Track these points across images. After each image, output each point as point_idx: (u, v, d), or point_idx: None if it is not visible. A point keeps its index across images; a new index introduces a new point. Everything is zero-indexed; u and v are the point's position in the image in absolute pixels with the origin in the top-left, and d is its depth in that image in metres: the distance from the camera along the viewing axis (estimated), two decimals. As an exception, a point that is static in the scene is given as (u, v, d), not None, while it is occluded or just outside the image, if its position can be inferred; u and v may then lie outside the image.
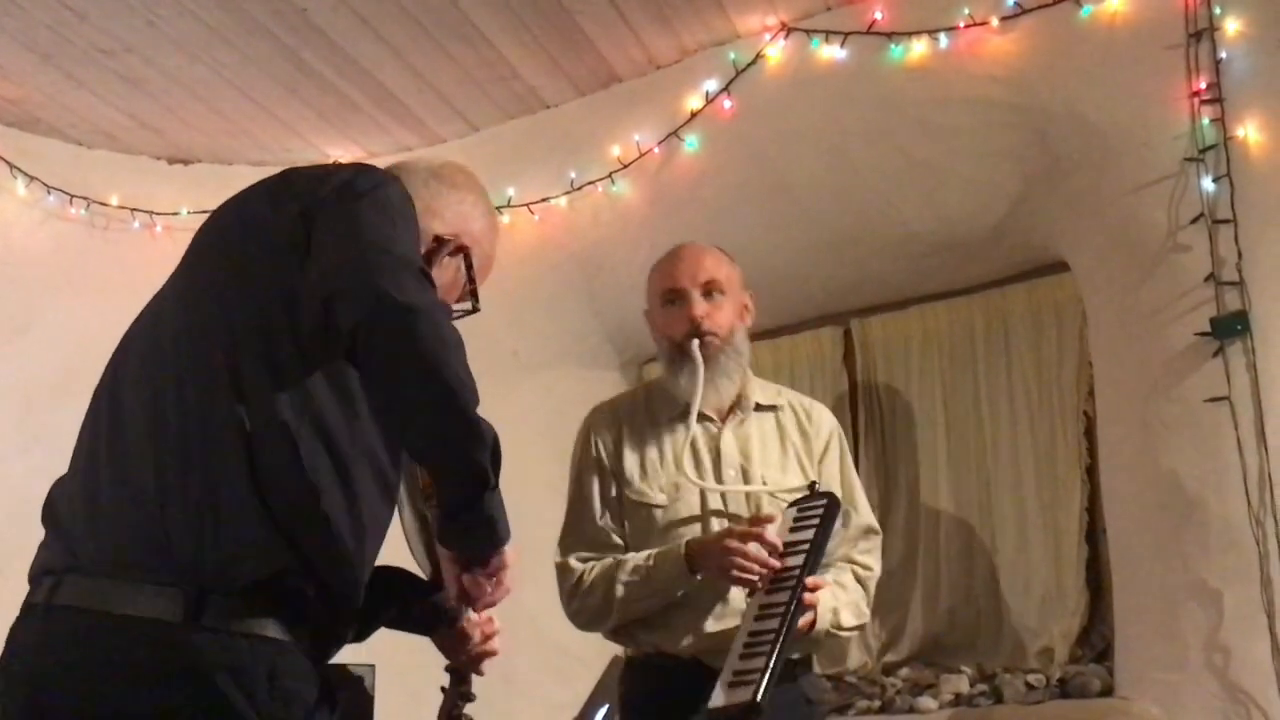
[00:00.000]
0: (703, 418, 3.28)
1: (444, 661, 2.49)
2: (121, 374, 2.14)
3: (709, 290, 3.31)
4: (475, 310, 2.47)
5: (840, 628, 3.21)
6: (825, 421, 3.43)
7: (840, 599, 3.19)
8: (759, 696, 2.77)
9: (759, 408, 3.37)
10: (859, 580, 3.31)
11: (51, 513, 2.11)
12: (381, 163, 5.66)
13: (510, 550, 2.07)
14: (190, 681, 1.91)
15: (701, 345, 3.24)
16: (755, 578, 3.00)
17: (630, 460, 3.28)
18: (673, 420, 3.30)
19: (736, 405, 3.35)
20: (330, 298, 1.93)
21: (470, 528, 2.01)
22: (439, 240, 2.37)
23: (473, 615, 2.39)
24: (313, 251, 2.03)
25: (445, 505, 2.01)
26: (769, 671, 2.81)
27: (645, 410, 3.36)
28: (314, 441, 2.00)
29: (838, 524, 3.16)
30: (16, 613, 2.06)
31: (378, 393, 1.98)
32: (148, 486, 1.99)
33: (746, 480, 3.26)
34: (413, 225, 2.13)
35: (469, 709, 2.48)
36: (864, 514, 3.38)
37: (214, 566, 1.94)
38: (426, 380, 1.90)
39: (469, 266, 2.41)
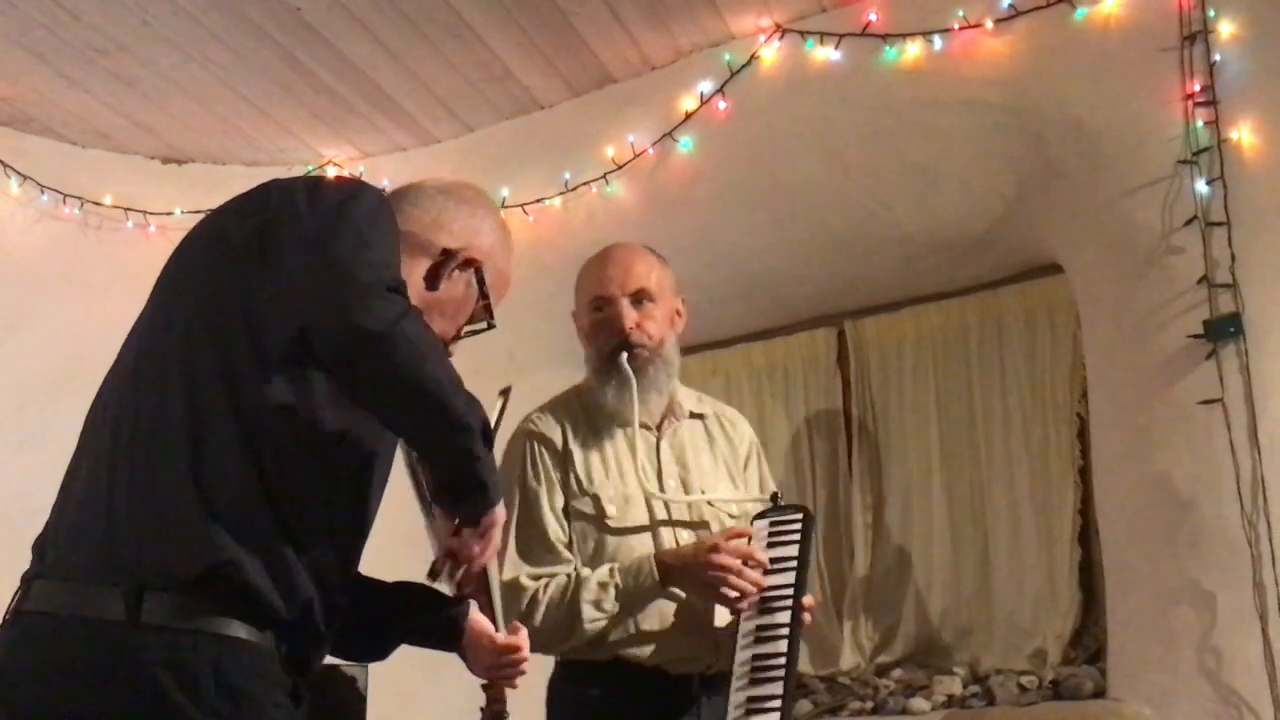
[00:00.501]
0: (640, 425, 3.19)
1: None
2: (104, 390, 2.17)
3: (639, 298, 3.19)
4: (490, 327, 2.46)
5: None
6: (746, 432, 3.38)
7: None
8: None
9: (691, 415, 3.30)
10: None
11: (41, 533, 2.14)
12: (377, 162, 5.65)
13: (500, 510, 2.15)
14: (133, 679, 1.93)
15: (630, 357, 3.13)
16: (739, 596, 2.93)
17: (576, 470, 3.16)
18: (612, 429, 3.19)
19: (670, 413, 3.26)
20: (305, 331, 1.99)
21: (463, 492, 2.10)
22: (447, 253, 2.37)
23: (493, 631, 2.44)
24: (277, 266, 2.05)
25: (438, 479, 2.12)
26: (788, 697, 2.80)
27: (583, 417, 3.24)
28: (268, 441, 2.01)
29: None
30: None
31: (367, 409, 2.07)
32: (101, 493, 2.03)
33: (686, 488, 3.18)
34: (387, 232, 2.13)
35: None
36: None
37: (153, 564, 1.96)
38: (408, 397, 2.00)
39: (481, 281, 2.40)
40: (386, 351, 1.94)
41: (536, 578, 3.05)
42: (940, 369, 5.18)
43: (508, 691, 2.57)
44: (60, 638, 1.97)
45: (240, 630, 1.98)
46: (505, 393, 2.56)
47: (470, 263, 2.39)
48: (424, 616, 2.43)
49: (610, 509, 3.11)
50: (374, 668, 3.99)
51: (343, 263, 2.01)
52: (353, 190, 2.18)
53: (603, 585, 3.00)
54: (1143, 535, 4.23)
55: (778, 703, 2.79)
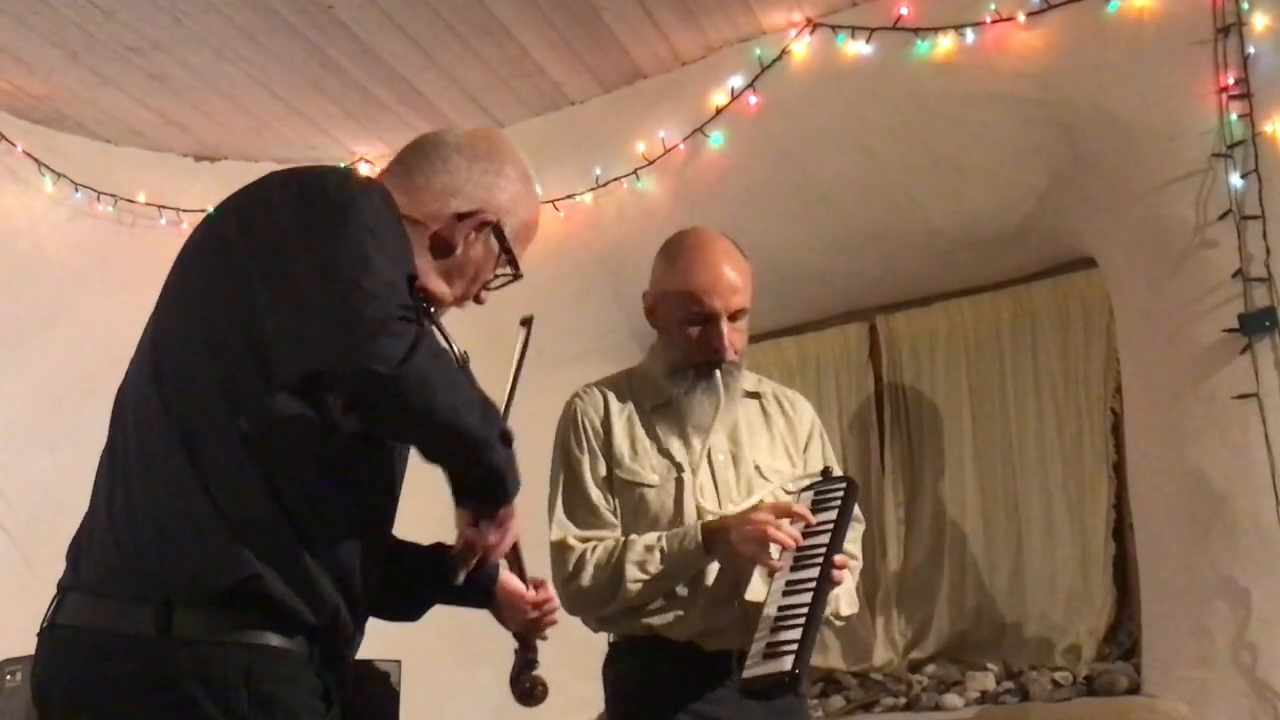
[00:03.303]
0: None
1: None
2: (121, 393, 2.19)
3: (737, 316, 3.22)
4: (518, 277, 2.44)
5: (839, 615, 3.19)
6: (807, 411, 3.42)
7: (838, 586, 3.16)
8: (797, 666, 2.77)
9: (745, 394, 3.32)
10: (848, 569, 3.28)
11: (75, 536, 2.16)
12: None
13: (515, 504, 2.18)
14: (165, 693, 1.94)
15: (722, 373, 3.19)
16: (777, 554, 2.96)
17: (620, 442, 3.23)
18: (657, 407, 3.25)
19: None
20: (319, 374, 2.00)
21: (484, 487, 2.12)
22: (459, 217, 2.32)
23: (524, 590, 2.52)
24: (280, 286, 2.03)
25: (456, 486, 2.12)
26: (806, 643, 2.81)
27: (629, 395, 3.30)
28: (276, 449, 2.01)
29: (856, 507, 3.16)
30: (44, 605, 2.12)
31: (388, 437, 2.14)
32: (122, 508, 2.04)
33: (736, 464, 3.22)
34: (390, 238, 2.08)
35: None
36: None
37: (180, 580, 1.97)
38: (424, 431, 2.03)
39: (501, 238, 2.36)
40: (397, 392, 1.94)
41: (585, 540, 3.15)
42: (972, 364, 5.17)
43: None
44: (92, 652, 2.00)
45: (271, 638, 2.00)
46: (527, 322, 2.60)
47: (485, 224, 2.34)
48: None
49: (653, 478, 3.19)
50: (408, 663, 4.00)
51: (345, 294, 1.95)
52: (353, 192, 2.11)
53: (649, 548, 3.08)
54: (1177, 530, 4.21)
55: (794, 647, 2.80)
